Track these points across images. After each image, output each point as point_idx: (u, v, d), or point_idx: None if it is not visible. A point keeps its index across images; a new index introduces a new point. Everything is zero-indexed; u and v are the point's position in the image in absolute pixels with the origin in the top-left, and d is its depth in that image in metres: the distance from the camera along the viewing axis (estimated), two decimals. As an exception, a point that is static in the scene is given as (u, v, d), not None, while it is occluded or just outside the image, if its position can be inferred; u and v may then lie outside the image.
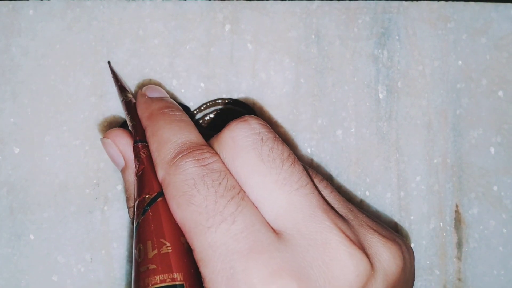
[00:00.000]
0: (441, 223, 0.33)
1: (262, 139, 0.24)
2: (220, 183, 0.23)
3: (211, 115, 0.33)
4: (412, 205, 0.33)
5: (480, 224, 0.33)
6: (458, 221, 0.33)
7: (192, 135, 0.26)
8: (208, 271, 0.22)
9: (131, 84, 0.32)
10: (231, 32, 0.33)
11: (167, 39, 0.33)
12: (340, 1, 0.34)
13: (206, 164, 0.24)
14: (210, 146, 0.25)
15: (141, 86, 0.31)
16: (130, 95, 0.30)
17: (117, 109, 0.32)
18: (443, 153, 0.33)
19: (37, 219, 0.32)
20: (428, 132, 0.33)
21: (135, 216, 0.25)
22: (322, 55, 0.33)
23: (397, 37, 0.34)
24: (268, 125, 0.25)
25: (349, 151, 0.33)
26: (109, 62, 0.32)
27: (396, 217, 0.33)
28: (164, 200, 0.24)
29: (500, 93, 0.34)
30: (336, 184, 0.33)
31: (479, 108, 0.34)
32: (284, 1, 0.33)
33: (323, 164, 0.33)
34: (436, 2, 0.34)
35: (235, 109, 0.33)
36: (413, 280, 0.27)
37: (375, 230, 0.24)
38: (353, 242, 0.22)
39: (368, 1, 0.34)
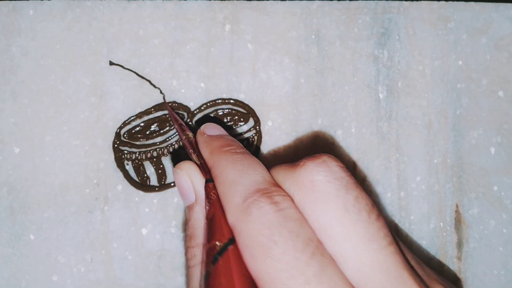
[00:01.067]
0: (441, 223, 0.33)
1: (345, 185, 0.22)
2: (297, 235, 0.21)
3: (211, 115, 0.33)
4: (412, 205, 0.33)
5: (480, 224, 0.33)
6: (458, 221, 0.33)
7: (258, 175, 0.24)
8: None
9: (134, 85, 0.33)
10: (231, 32, 0.33)
11: (167, 39, 0.33)
12: (340, 1, 0.34)
13: (281, 210, 0.22)
14: (279, 183, 0.24)
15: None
16: (191, 133, 0.29)
17: (117, 109, 0.32)
18: (443, 153, 0.33)
19: (37, 219, 0.32)
20: (428, 132, 0.33)
21: (203, 263, 0.23)
22: (322, 55, 0.33)
23: (397, 37, 0.34)
24: (346, 169, 0.23)
25: (349, 151, 0.33)
26: (164, 101, 0.31)
27: (396, 217, 0.33)
28: (235, 247, 0.22)
29: (500, 93, 0.34)
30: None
31: (479, 108, 0.34)
32: (284, 1, 0.33)
33: (323, 164, 0.33)
34: (436, 2, 0.34)
35: (235, 109, 0.33)
36: None
37: (441, 285, 0.24)
38: None
39: (368, 1, 0.34)
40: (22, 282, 0.31)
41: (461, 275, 0.33)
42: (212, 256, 0.22)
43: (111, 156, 0.32)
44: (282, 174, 0.24)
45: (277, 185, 0.24)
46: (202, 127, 0.29)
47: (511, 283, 0.33)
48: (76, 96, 0.32)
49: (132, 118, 0.32)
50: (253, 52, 0.33)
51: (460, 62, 0.34)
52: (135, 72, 0.32)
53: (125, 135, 0.32)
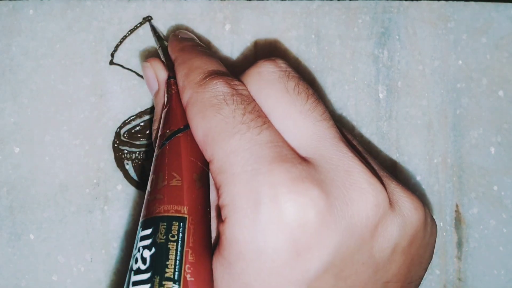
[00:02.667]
0: (441, 223, 0.33)
1: (288, 75, 0.24)
2: (248, 104, 0.23)
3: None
4: (412, 205, 0.33)
5: (480, 223, 0.33)
6: (458, 220, 0.33)
7: (221, 67, 0.26)
8: (226, 176, 0.22)
9: (134, 84, 0.32)
10: (231, 32, 0.33)
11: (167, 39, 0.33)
12: (340, 1, 0.34)
13: (236, 88, 0.24)
14: None
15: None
16: (166, 42, 0.30)
17: (117, 109, 0.32)
18: (443, 152, 0.33)
19: (37, 219, 0.32)
20: (428, 132, 0.33)
21: (155, 148, 0.25)
22: (322, 54, 0.33)
23: (397, 36, 0.34)
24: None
25: (349, 151, 0.33)
26: (148, 20, 0.32)
27: (396, 217, 0.33)
28: (183, 136, 0.24)
29: (501, 93, 0.34)
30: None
31: (479, 107, 0.34)
32: (284, 1, 0.33)
33: (323, 164, 0.33)
34: (436, 1, 0.34)
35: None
36: (431, 254, 0.26)
37: (398, 184, 0.24)
38: (375, 175, 0.23)
39: (368, 0, 0.34)
40: (22, 281, 0.31)
41: (461, 275, 0.33)
42: (162, 142, 0.25)
43: (111, 155, 0.32)
44: (239, 76, 0.26)
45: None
46: (177, 32, 0.30)
47: (511, 282, 0.33)
48: (76, 96, 0.32)
49: (132, 117, 0.32)
50: (253, 51, 0.33)
51: (460, 62, 0.34)
52: (135, 72, 0.32)
53: (125, 135, 0.32)
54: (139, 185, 0.32)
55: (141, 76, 0.32)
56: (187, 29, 0.33)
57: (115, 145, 0.32)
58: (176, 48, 0.28)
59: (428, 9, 0.34)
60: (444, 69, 0.34)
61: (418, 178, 0.33)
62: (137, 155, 0.32)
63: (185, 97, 0.25)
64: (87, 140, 0.32)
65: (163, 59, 0.29)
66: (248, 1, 0.33)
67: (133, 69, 0.32)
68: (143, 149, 0.32)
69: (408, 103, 0.33)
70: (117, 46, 0.32)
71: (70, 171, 0.32)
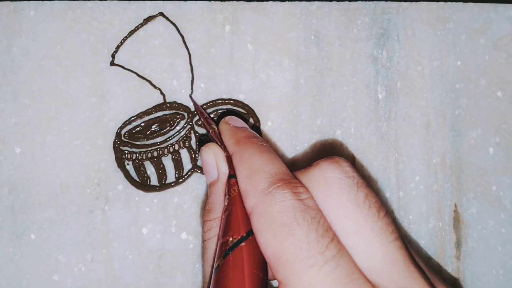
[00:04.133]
0: (440, 223, 0.33)
1: (357, 183, 0.24)
2: (318, 222, 0.23)
3: (211, 115, 0.33)
4: (411, 205, 0.33)
5: (479, 224, 0.33)
6: (457, 221, 0.33)
7: (283, 167, 0.25)
8: None
9: (134, 85, 0.33)
10: (231, 33, 0.33)
11: (167, 39, 0.33)
12: (340, 2, 0.34)
13: (302, 199, 0.23)
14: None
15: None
16: (216, 126, 0.30)
17: (118, 110, 0.32)
18: (442, 153, 0.34)
19: (38, 219, 0.32)
20: (427, 132, 0.34)
21: (216, 255, 0.25)
22: (321, 55, 0.33)
23: (396, 37, 0.34)
24: (355, 169, 0.25)
25: (348, 151, 0.33)
26: (191, 96, 0.32)
27: (395, 217, 0.33)
28: (246, 246, 0.23)
29: (499, 94, 0.34)
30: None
31: (478, 108, 0.34)
32: (284, 2, 0.34)
33: (323, 164, 0.33)
34: (435, 2, 0.34)
35: (235, 110, 0.33)
36: None
37: (444, 285, 0.25)
38: None
39: (367, 2, 0.34)
40: (23, 281, 0.31)
41: (459, 275, 0.33)
42: (224, 251, 0.24)
43: (111, 156, 0.32)
44: (298, 174, 0.25)
45: (297, 179, 0.25)
46: (226, 118, 0.30)
47: (510, 282, 0.33)
48: (77, 96, 0.32)
49: (133, 118, 0.32)
50: (253, 52, 0.33)
51: (459, 63, 0.34)
52: (135, 73, 0.33)
53: (125, 135, 0.32)
54: (140, 185, 0.32)
55: (142, 77, 0.33)
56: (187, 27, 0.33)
57: (116, 145, 0.32)
58: (231, 140, 0.28)
59: (427, 10, 0.34)
60: (443, 70, 0.34)
61: (417, 178, 0.33)
62: (137, 155, 0.32)
63: (249, 203, 0.24)
64: (88, 141, 0.32)
65: (217, 141, 0.29)
66: (248, 2, 0.33)
67: (134, 70, 0.33)
68: (144, 150, 0.32)
69: (407, 103, 0.34)
70: (117, 47, 0.33)
71: (71, 171, 0.32)
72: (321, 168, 0.24)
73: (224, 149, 0.28)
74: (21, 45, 0.32)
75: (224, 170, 0.27)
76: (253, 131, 0.29)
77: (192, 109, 0.33)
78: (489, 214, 0.33)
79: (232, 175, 0.26)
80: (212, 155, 0.28)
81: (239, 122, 0.30)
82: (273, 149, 0.27)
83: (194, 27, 0.33)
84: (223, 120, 0.30)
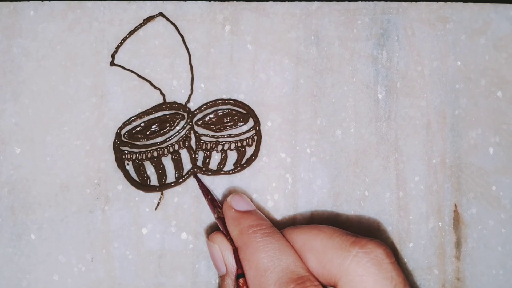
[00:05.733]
0: (440, 223, 0.33)
1: (394, 285, 0.24)
2: None
3: (211, 115, 0.33)
4: (411, 205, 0.33)
5: (479, 224, 0.33)
6: (457, 221, 0.33)
7: (290, 260, 0.25)
8: None
9: (134, 85, 0.33)
10: (231, 33, 0.33)
11: (167, 40, 0.33)
12: (340, 2, 0.34)
13: None
14: (325, 262, 0.25)
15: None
16: (221, 211, 0.30)
17: (118, 110, 0.32)
18: (442, 153, 0.34)
19: (38, 219, 0.32)
20: (427, 133, 0.34)
21: None
22: (321, 55, 0.33)
23: (396, 37, 0.34)
24: (394, 259, 0.25)
25: (348, 151, 0.33)
26: (196, 176, 0.32)
27: (395, 217, 0.33)
28: None
29: (499, 94, 0.34)
30: (336, 184, 0.33)
31: (478, 108, 0.34)
32: (283, 2, 0.34)
33: (323, 164, 0.33)
34: (435, 2, 0.34)
35: (235, 110, 0.33)
36: None
37: None
38: None
39: (367, 2, 0.34)
40: (23, 281, 0.31)
41: (459, 275, 0.33)
42: None
43: (111, 156, 0.32)
44: (330, 256, 0.25)
45: (308, 272, 0.25)
46: (229, 199, 0.29)
47: (510, 282, 0.33)
48: (77, 97, 0.32)
49: (133, 118, 0.32)
50: (253, 52, 0.33)
51: (459, 63, 0.34)
52: (135, 73, 0.33)
53: (125, 135, 0.32)
54: (140, 185, 0.32)
55: (142, 77, 0.33)
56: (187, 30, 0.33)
57: (116, 145, 0.32)
58: (235, 231, 0.28)
59: (427, 10, 0.34)
60: (443, 70, 0.34)
61: (417, 178, 0.33)
62: (137, 155, 0.32)
63: None
64: (88, 141, 0.32)
65: (222, 229, 0.29)
66: (248, 3, 0.33)
67: (134, 70, 0.33)
68: (144, 150, 0.32)
69: (407, 103, 0.34)
70: (117, 47, 0.33)
71: (71, 172, 0.32)
72: (359, 263, 0.24)
73: (230, 239, 0.28)
74: (21, 45, 0.32)
75: (232, 264, 0.27)
76: (258, 214, 0.29)
77: (193, 109, 0.33)
78: (489, 214, 0.33)
79: (240, 274, 0.26)
80: (218, 251, 0.28)
81: (242, 204, 0.29)
82: (280, 235, 0.27)
83: (194, 27, 0.33)
84: (226, 203, 0.29)
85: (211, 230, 0.32)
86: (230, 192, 0.32)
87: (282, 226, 0.32)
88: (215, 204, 0.30)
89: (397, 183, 0.33)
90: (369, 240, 0.25)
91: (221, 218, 0.29)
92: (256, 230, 0.27)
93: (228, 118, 0.33)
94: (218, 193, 0.32)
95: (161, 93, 0.33)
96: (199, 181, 0.32)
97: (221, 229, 0.29)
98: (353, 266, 0.24)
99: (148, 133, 0.32)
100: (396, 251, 0.33)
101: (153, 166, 0.32)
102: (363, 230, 0.33)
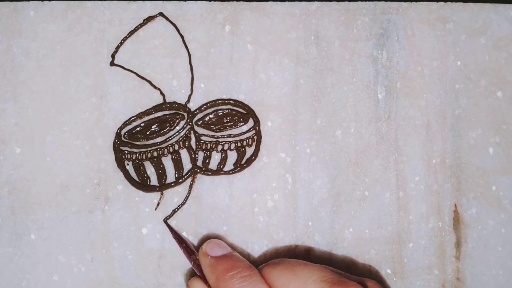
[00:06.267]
0: (440, 223, 0.33)
1: None
2: None
3: (211, 115, 0.33)
4: (411, 205, 0.33)
5: (479, 224, 0.33)
6: (456, 221, 0.33)
7: None
8: None
9: (134, 85, 0.33)
10: (231, 33, 0.33)
11: (167, 40, 0.33)
12: (340, 2, 0.34)
13: None
14: None
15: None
16: (197, 257, 0.30)
17: (118, 110, 0.32)
18: (441, 153, 0.34)
19: (38, 219, 0.32)
20: (427, 133, 0.34)
21: None
22: (321, 56, 0.33)
23: (396, 38, 0.34)
24: None
25: (348, 151, 0.33)
26: (166, 221, 0.32)
27: (395, 217, 0.33)
28: None
29: (499, 94, 0.34)
30: (336, 184, 0.33)
31: (477, 108, 0.34)
32: (283, 2, 0.34)
33: (323, 164, 0.33)
34: (435, 3, 0.34)
35: (235, 110, 0.33)
36: None
37: None
38: None
39: (367, 2, 0.34)
40: (23, 281, 0.31)
41: (459, 275, 0.33)
42: None
43: (111, 156, 0.32)
44: None
45: None
46: (204, 246, 0.30)
47: (510, 282, 0.33)
48: (77, 97, 0.32)
49: (133, 118, 0.32)
50: (253, 53, 0.33)
51: (459, 63, 0.34)
52: (135, 73, 0.33)
53: (125, 135, 0.32)
54: (140, 185, 0.32)
55: (142, 77, 0.33)
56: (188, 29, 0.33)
57: (116, 145, 0.32)
58: (211, 279, 0.28)
59: (427, 10, 0.34)
60: (443, 70, 0.34)
61: (417, 178, 0.33)
62: (137, 155, 0.32)
63: None
64: (88, 141, 0.32)
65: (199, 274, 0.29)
66: (248, 3, 0.33)
67: (134, 70, 0.33)
68: (144, 150, 0.32)
69: (407, 103, 0.34)
70: (117, 47, 0.33)
71: (71, 172, 0.32)
72: None
73: (209, 286, 0.29)
74: (21, 45, 0.32)
75: None
76: (234, 257, 0.29)
77: (193, 109, 0.33)
78: (489, 214, 0.33)
79: None
80: None
81: (217, 249, 0.29)
82: (257, 276, 0.27)
83: (194, 27, 0.33)
84: (201, 251, 0.30)
85: (190, 274, 0.32)
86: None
87: (282, 227, 0.32)
88: (190, 251, 0.30)
89: (397, 183, 0.33)
90: (349, 283, 0.26)
91: (197, 265, 0.30)
92: (233, 274, 0.27)
93: (228, 118, 0.33)
94: (218, 193, 0.32)
95: (161, 93, 0.33)
96: (172, 230, 0.31)
97: (199, 275, 0.29)
98: None
99: (148, 133, 0.32)
100: (396, 251, 0.33)
101: (153, 166, 0.32)
102: (363, 231, 0.33)
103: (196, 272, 0.30)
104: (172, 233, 0.31)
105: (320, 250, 0.32)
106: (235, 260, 0.29)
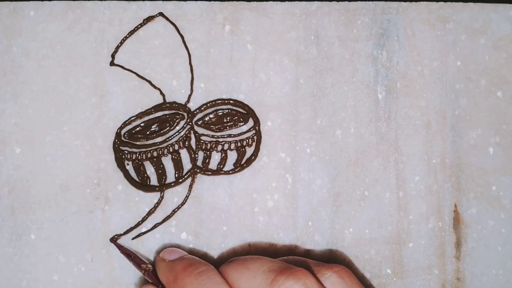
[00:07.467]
0: (440, 223, 0.33)
1: None
2: None
3: (211, 115, 0.33)
4: (411, 205, 0.33)
5: (479, 224, 0.33)
6: (457, 221, 0.33)
7: None
8: None
9: (134, 85, 0.33)
10: (231, 33, 0.33)
11: (167, 40, 0.33)
12: (340, 2, 0.34)
13: None
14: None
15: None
16: (149, 265, 0.30)
17: (118, 110, 0.32)
18: (441, 153, 0.34)
19: (38, 219, 0.32)
20: (427, 133, 0.34)
21: None
22: (321, 55, 0.33)
23: (396, 37, 0.34)
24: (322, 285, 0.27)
25: (348, 151, 0.33)
26: (114, 240, 0.32)
27: (395, 217, 0.33)
28: None
29: (499, 94, 0.34)
30: (336, 184, 0.33)
31: (478, 108, 0.34)
32: (283, 2, 0.34)
33: (323, 164, 0.33)
34: (435, 2, 0.34)
35: (235, 110, 0.33)
36: None
37: None
38: None
39: (367, 2, 0.34)
40: (23, 281, 0.31)
41: (459, 275, 0.33)
42: None
43: (111, 156, 0.32)
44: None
45: None
46: (162, 253, 0.30)
47: (510, 282, 0.33)
48: (77, 97, 0.32)
49: (133, 118, 0.32)
50: (253, 52, 0.33)
51: (459, 63, 0.34)
52: (135, 73, 0.33)
53: (125, 135, 0.32)
54: (140, 185, 0.32)
55: (142, 77, 0.33)
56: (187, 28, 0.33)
57: (116, 145, 0.32)
58: (169, 278, 0.28)
59: (427, 10, 0.34)
60: (443, 70, 0.34)
61: (417, 178, 0.33)
62: (137, 155, 0.32)
63: None
64: (87, 141, 0.32)
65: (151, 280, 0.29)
66: (248, 3, 0.33)
67: (134, 70, 0.33)
68: (144, 150, 0.32)
69: (407, 103, 0.34)
70: (117, 47, 0.33)
71: (70, 172, 0.32)
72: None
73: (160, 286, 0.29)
74: (21, 45, 0.32)
75: None
76: (190, 257, 0.29)
77: (192, 109, 0.33)
78: (489, 214, 0.33)
79: None
80: None
81: (174, 253, 0.30)
82: (214, 270, 0.28)
83: (194, 27, 0.33)
84: (159, 258, 0.30)
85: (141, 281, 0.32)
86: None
87: (282, 227, 0.32)
88: (140, 261, 0.30)
89: (397, 183, 0.33)
90: (288, 274, 0.26)
91: (148, 272, 0.30)
92: (191, 270, 0.27)
93: (228, 118, 0.33)
94: (218, 193, 0.32)
95: (161, 93, 0.33)
96: (119, 247, 0.31)
97: (152, 282, 0.29)
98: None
99: (148, 133, 0.32)
100: (396, 251, 0.33)
101: (153, 166, 0.32)
102: (363, 231, 0.33)
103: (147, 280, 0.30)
104: (119, 249, 0.31)
105: (320, 250, 0.33)
106: (191, 259, 0.29)
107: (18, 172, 0.32)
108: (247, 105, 0.33)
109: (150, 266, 0.30)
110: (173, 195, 0.32)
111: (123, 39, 0.33)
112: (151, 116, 0.33)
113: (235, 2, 0.33)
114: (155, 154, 0.32)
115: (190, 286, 0.27)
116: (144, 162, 0.32)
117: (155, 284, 0.29)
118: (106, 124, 0.32)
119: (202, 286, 0.27)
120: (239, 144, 0.33)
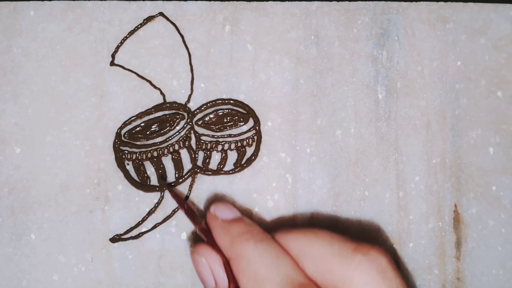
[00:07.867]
0: (440, 223, 0.33)
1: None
2: None
3: (211, 115, 0.33)
4: (411, 205, 0.33)
5: (479, 224, 0.33)
6: (457, 221, 0.33)
7: (288, 268, 0.24)
8: None
9: (134, 85, 0.33)
10: (231, 33, 0.33)
11: (167, 40, 0.33)
12: (340, 2, 0.34)
13: None
14: (328, 267, 0.24)
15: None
16: (203, 222, 0.28)
17: (118, 110, 0.32)
18: (442, 153, 0.34)
19: (38, 219, 0.32)
20: (427, 132, 0.34)
21: None
22: (321, 55, 0.33)
23: (396, 37, 0.34)
24: (397, 269, 0.25)
25: (348, 151, 0.33)
26: (170, 190, 0.30)
27: (395, 217, 0.33)
28: None
29: (499, 94, 0.34)
30: (336, 184, 0.33)
31: (478, 108, 0.34)
32: (283, 2, 0.34)
33: (323, 164, 0.33)
34: (435, 2, 0.34)
35: (235, 110, 0.33)
36: None
37: None
38: None
39: (367, 2, 0.34)
40: (23, 281, 0.31)
41: (459, 275, 0.33)
42: None
43: (111, 156, 0.32)
44: (330, 264, 0.24)
45: (309, 279, 0.24)
46: (213, 209, 0.28)
47: (510, 282, 0.33)
48: (77, 97, 0.32)
49: (133, 118, 0.32)
50: (253, 52, 0.33)
51: (459, 63, 0.34)
52: (135, 73, 0.33)
53: (125, 135, 0.32)
54: (140, 185, 0.32)
55: (142, 77, 0.33)
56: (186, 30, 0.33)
57: (116, 145, 0.32)
58: (225, 240, 0.26)
59: (427, 10, 0.34)
60: (443, 70, 0.34)
61: (417, 178, 0.33)
62: (137, 155, 0.32)
63: None
64: (87, 141, 0.32)
65: (206, 239, 0.27)
66: (248, 2, 0.33)
67: (134, 70, 0.33)
68: (144, 150, 0.32)
69: (407, 103, 0.34)
70: (117, 47, 0.33)
71: (71, 172, 0.32)
72: (362, 271, 0.24)
73: (218, 250, 0.26)
74: (21, 45, 0.32)
75: (223, 278, 0.25)
76: (247, 221, 0.27)
77: (193, 109, 0.33)
78: (489, 214, 0.33)
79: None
80: (206, 264, 0.26)
81: (227, 212, 0.27)
82: (272, 240, 0.26)
83: (194, 27, 0.33)
84: (210, 214, 0.27)
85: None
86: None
87: (282, 227, 0.32)
88: (195, 215, 0.28)
89: (397, 183, 0.33)
90: (371, 246, 0.25)
91: (204, 229, 0.27)
92: (249, 237, 0.25)
93: (228, 118, 0.33)
94: (218, 193, 0.32)
95: (161, 93, 0.33)
96: (173, 193, 0.30)
97: (206, 241, 0.27)
98: (357, 275, 0.24)
99: (148, 133, 0.32)
100: (396, 251, 0.33)
101: (153, 166, 0.32)
102: (363, 231, 0.33)
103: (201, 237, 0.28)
104: (173, 197, 0.29)
105: (320, 250, 0.32)
106: (248, 224, 0.27)
107: (18, 172, 0.32)
108: (247, 105, 0.33)
109: (204, 223, 0.27)
110: (173, 195, 0.32)
111: (123, 39, 0.33)
112: (151, 116, 0.33)
113: (235, 2, 0.33)
114: (155, 154, 0.32)
115: (248, 254, 0.24)
116: (144, 162, 0.32)
117: (210, 243, 0.27)
118: (106, 124, 0.32)
119: (261, 257, 0.24)
120: (239, 144, 0.33)
